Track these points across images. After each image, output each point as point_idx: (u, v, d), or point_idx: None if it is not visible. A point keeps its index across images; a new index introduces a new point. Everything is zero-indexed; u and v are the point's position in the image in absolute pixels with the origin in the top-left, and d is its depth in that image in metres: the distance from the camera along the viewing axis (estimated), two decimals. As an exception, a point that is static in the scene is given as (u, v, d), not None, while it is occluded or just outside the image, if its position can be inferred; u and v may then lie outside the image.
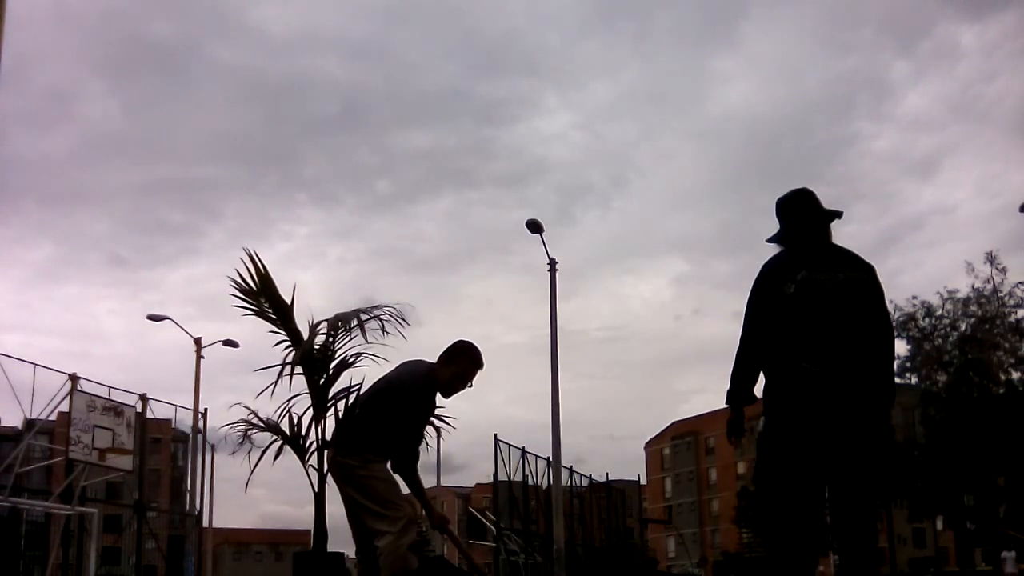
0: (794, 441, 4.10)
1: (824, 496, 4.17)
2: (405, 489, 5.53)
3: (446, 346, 5.45)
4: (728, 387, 4.31)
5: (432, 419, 11.40)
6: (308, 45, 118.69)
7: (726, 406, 4.37)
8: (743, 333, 4.28)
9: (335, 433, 5.65)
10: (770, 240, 4.44)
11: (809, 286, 4.13)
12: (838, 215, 4.41)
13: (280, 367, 10.64)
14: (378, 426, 5.21)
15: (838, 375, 4.05)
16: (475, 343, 5.42)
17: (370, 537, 5.16)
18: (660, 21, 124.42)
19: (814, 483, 4.12)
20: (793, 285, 4.14)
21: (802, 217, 4.36)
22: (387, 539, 5.03)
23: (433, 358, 5.46)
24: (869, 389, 4.12)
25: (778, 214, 4.44)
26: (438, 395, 5.44)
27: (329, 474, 10.62)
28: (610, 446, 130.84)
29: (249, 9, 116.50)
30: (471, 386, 5.40)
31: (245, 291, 10.90)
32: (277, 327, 10.94)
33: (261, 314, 10.97)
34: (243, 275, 10.80)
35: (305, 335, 10.84)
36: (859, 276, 4.25)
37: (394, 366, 5.70)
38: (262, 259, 10.91)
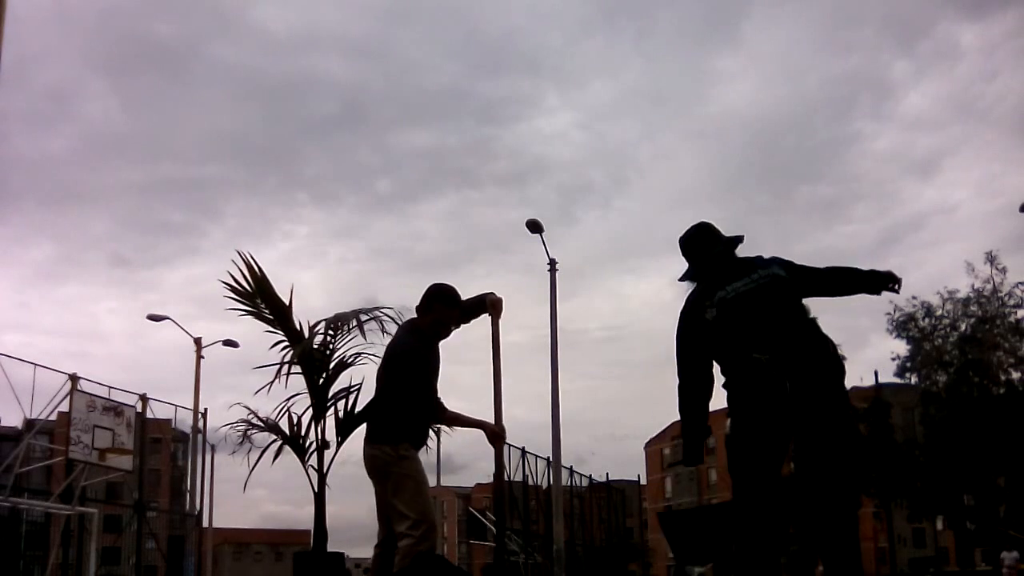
0: (758, 431, 4.22)
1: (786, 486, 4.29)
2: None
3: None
4: (683, 424, 4.43)
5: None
6: (309, 44, 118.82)
7: (682, 438, 4.47)
8: (678, 371, 4.41)
9: (366, 425, 5.61)
10: (681, 279, 4.61)
11: (728, 302, 4.30)
12: (740, 240, 4.56)
13: (279, 366, 10.64)
14: (393, 400, 5.24)
15: (786, 363, 4.16)
16: (448, 284, 5.40)
17: (395, 535, 5.19)
18: (661, 20, 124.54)
19: (779, 470, 4.25)
20: (713, 309, 4.32)
21: (705, 249, 4.52)
22: (406, 541, 5.07)
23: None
24: (818, 369, 4.22)
25: (683, 252, 4.61)
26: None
27: (329, 472, 10.67)
28: (611, 446, 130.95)
29: (250, 8, 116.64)
30: (456, 327, 5.41)
31: (240, 293, 10.90)
32: (274, 327, 10.94)
33: (258, 315, 10.97)
34: (237, 277, 10.81)
35: (304, 335, 10.84)
36: (772, 272, 4.39)
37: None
38: (258, 261, 10.93)
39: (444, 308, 5.32)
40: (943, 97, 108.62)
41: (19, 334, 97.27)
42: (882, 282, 4.54)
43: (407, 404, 5.23)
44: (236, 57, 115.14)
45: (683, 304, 4.49)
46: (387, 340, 10.39)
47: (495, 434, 5.62)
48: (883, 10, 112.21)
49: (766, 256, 4.54)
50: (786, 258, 4.53)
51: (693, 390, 4.38)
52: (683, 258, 4.61)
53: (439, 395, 5.46)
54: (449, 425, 5.46)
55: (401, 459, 5.19)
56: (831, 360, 4.29)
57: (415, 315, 5.44)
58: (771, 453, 4.23)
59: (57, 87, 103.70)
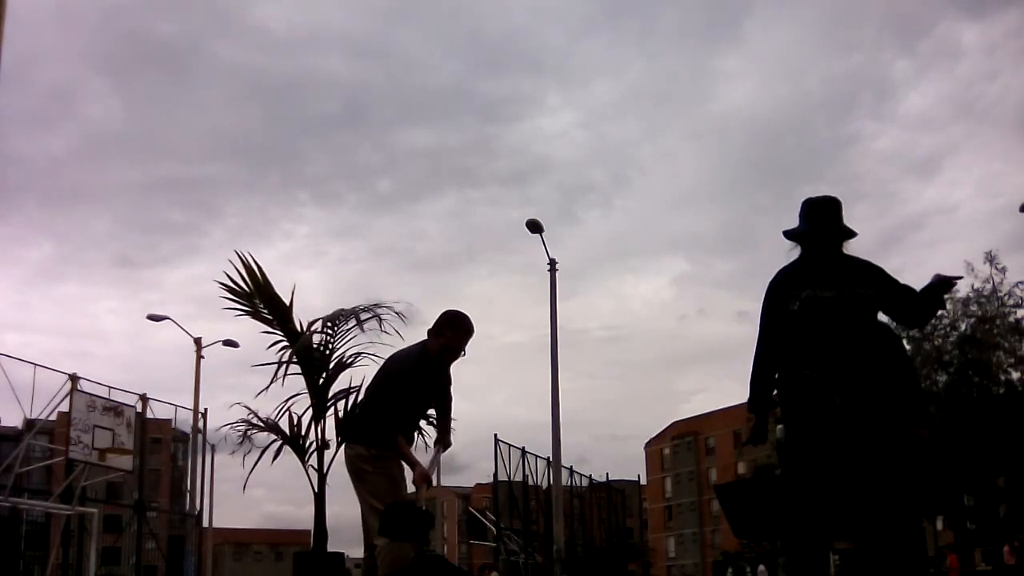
0: (807, 447, 4.25)
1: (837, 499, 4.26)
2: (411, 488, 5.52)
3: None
4: (749, 395, 4.49)
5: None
6: (310, 43, 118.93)
7: (749, 412, 4.53)
8: (758, 343, 4.47)
9: (344, 425, 5.68)
10: (786, 233, 4.60)
11: (812, 304, 4.31)
12: (853, 234, 4.53)
13: (277, 365, 10.66)
14: (380, 413, 5.26)
15: (838, 380, 4.19)
16: (462, 311, 5.42)
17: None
18: (664, 19, 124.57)
19: (829, 490, 4.22)
20: (797, 303, 4.34)
21: (822, 226, 4.49)
22: (382, 542, 5.03)
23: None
24: (873, 393, 4.21)
25: (802, 213, 4.59)
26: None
27: (329, 472, 10.67)
28: (611, 446, 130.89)
29: (251, 7, 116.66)
30: (464, 354, 5.40)
31: (237, 293, 10.91)
32: (273, 328, 10.94)
33: (255, 314, 10.98)
34: (234, 278, 10.81)
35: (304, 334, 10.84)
36: (863, 292, 4.36)
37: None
38: (258, 260, 10.94)
39: (455, 335, 5.32)
40: (944, 97, 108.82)
41: (19, 334, 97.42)
42: (942, 289, 4.49)
43: (385, 419, 5.25)
44: (237, 56, 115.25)
45: (770, 282, 4.49)
46: (386, 340, 10.46)
47: (422, 475, 5.27)
48: (884, 9, 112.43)
49: (866, 260, 4.51)
50: (885, 270, 4.47)
51: (767, 361, 4.43)
52: (800, 216, 4.58)
53: (425, 414, 5.42)
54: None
55: (376, 459, 5.21)
56: (894, 380, 4.29)
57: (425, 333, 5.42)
58: (823, 466, 4.22)
59: (58, 87, 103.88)
